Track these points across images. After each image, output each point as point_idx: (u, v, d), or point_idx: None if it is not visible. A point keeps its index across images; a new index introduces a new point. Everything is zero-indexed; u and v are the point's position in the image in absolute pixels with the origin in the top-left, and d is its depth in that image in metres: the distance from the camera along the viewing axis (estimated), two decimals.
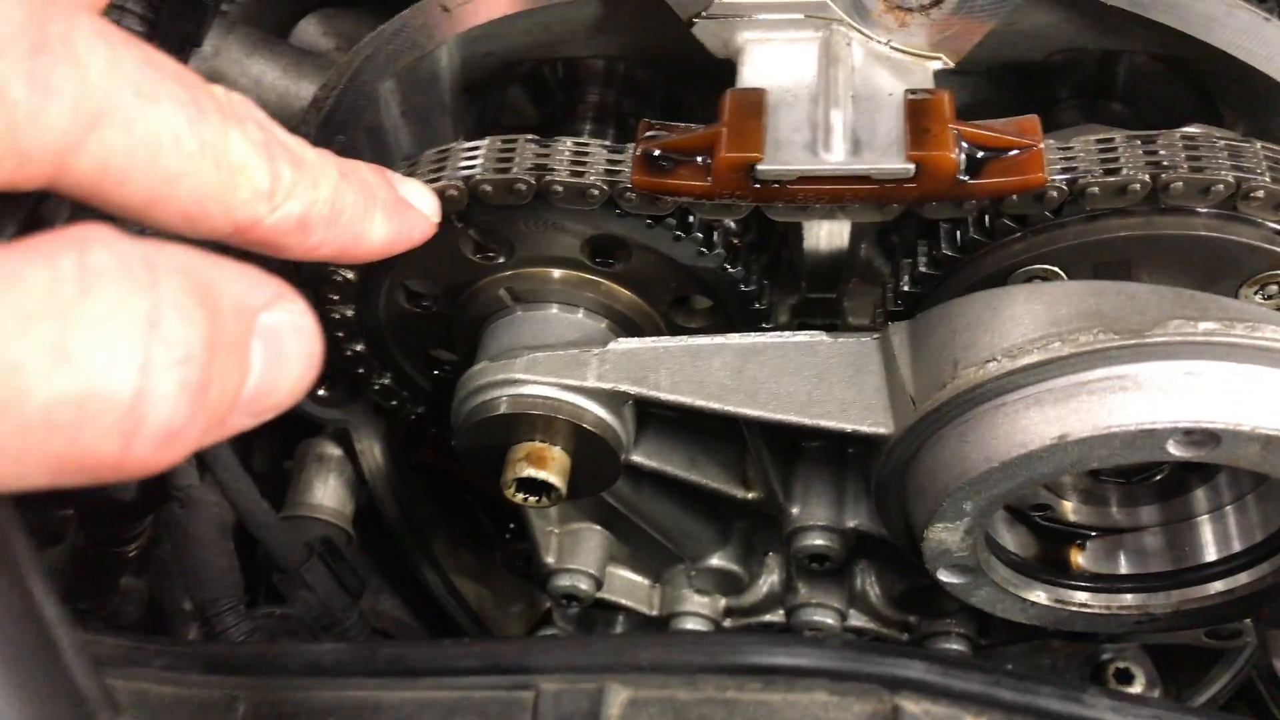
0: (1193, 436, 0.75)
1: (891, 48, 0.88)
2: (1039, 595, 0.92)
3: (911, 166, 0.80)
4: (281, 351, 0.48)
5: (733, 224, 0.97)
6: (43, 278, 0.41)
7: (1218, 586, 0.89)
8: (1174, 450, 0.75)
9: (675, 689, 0.65)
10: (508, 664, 0.67)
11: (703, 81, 0.96)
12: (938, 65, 0.89)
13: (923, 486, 0.86)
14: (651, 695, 0.65)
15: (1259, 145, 0.82)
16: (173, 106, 0.49)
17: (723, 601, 1.20)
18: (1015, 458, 0.78)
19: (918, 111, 0.82)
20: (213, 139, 0.51)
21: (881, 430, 0.86)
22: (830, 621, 1.15)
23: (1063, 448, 0.76)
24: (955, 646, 1.16)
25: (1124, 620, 0.94)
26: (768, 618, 1.20)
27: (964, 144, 0.81)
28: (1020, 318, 0.79)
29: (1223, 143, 0.81)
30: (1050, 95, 1.10)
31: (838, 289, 1.09)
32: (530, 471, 0.91)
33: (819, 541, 1.03)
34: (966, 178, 0.81)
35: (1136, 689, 1.28)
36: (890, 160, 0.80)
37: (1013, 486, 0.80)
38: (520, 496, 0.94)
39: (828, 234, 1.00)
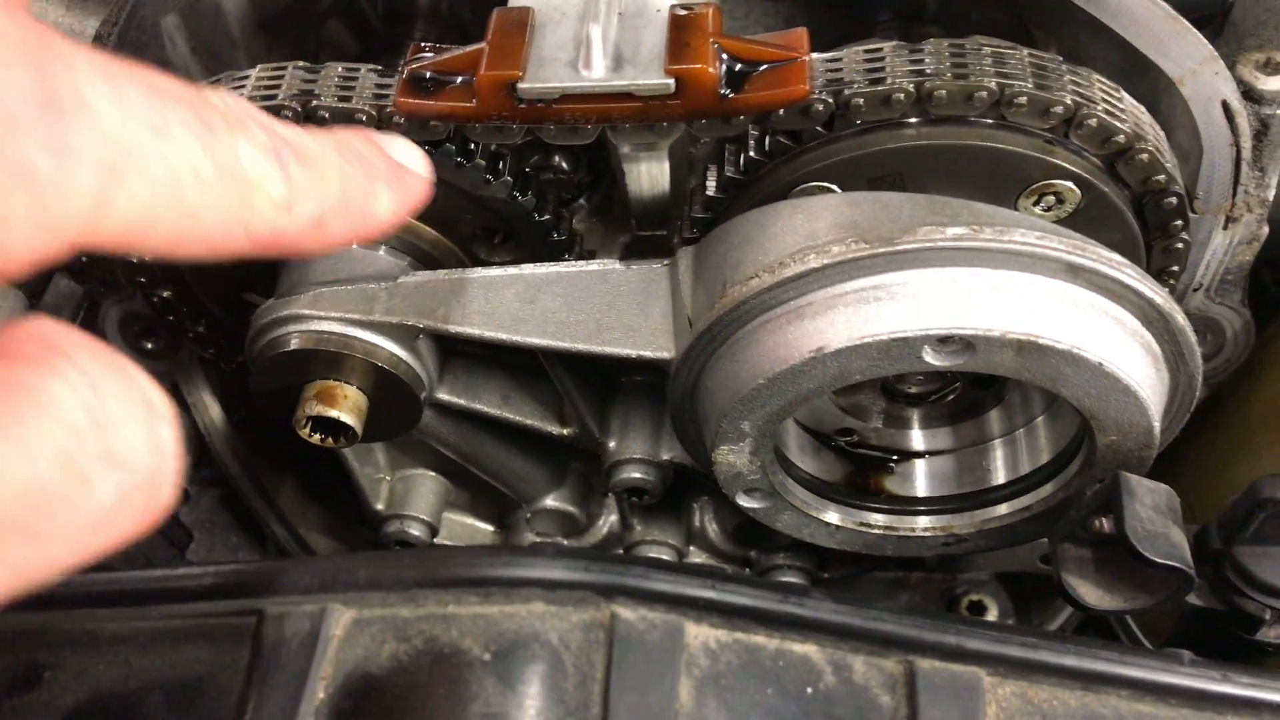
0: (948, 344, 0.74)
1: None
2: (836, 517, 0.91)
3: (671, 81, 0.78)
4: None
5: (563, 163, 0.95)
6: (69, 398, 0.42)
7: (1005, 508, 0.89)
8: (930, 359, 0.75)
9: (396, 607, 0.64)
10: (233, 588, 0.66)
11: None
12: None
13: (706, 410, 0.85)
14: (374, 614, 0.64)
15: (1025, 52, 0.81)
16: (186, 136, 0.46)
17: (564, 544, 1.19)
18: (779, 373, 0.77)
19: (680, 26, 0.80)
20: (226, 159, 0.48)
21: (664, 355, 0.85)
22: (666, 558, 1.14)
23: (821, 360, 0.75)
24: (793, 580, 1.16)
25: (932, 542, 0.94)
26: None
27: (725, 57, 0.79)
28: (782, 233, 0.78)
29: (988, 50, 0.80)
30: (870, 18, 1.09)
31: (668, 226, 1.08)
32: (320, 409, 0.90)
33: (635, 475, 1.02)
34: (729, 92, 0.79)
35: (989, 620, 1.28)
36: (650, 75, 0.79)
37: (784, 403, 0.80)
38: (316, 437, 0.92)
39: (647, 171, 0.98)
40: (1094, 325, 0.73)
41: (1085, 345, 0.72)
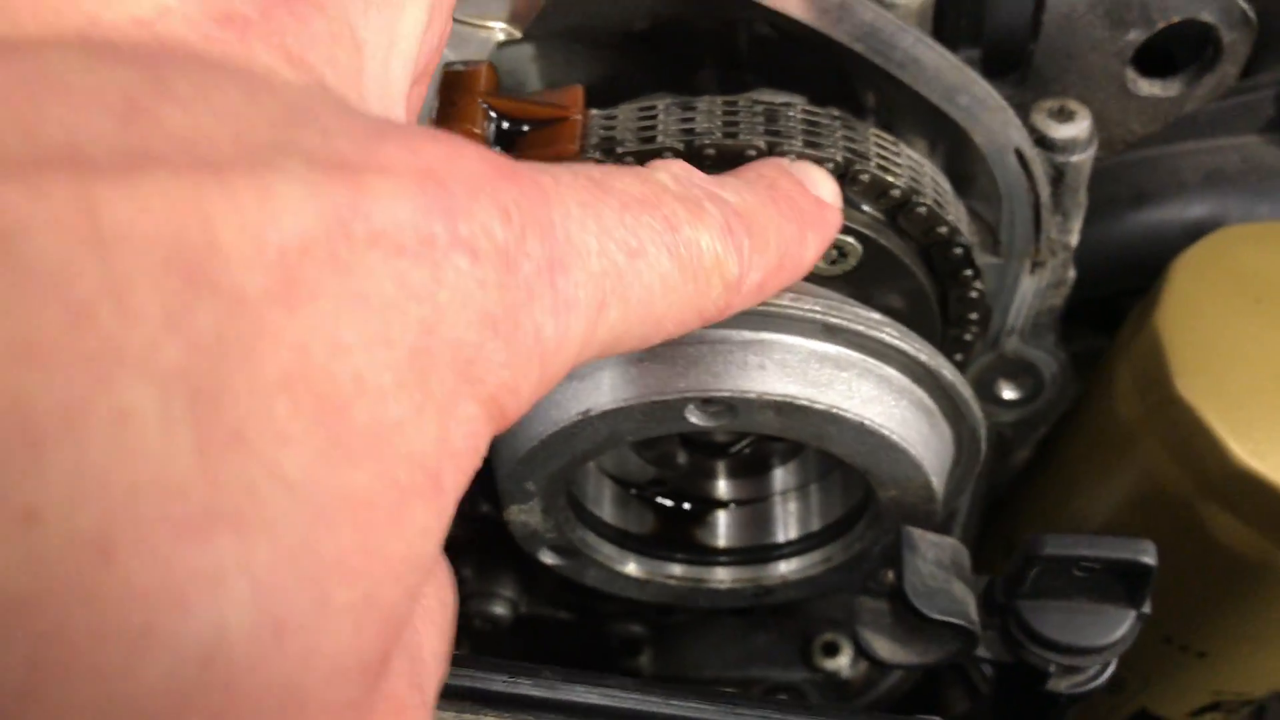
0: (710, 406, 0.73)
1: (453, 18, 0.86)
2: (637, 570, 0.90)
3: None
4: None
5: None
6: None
7: (802, 561, 0.88)
8: (696, 420, 0.74)
9: None
10: None
11: None
12: (500, 36, 0.86)
13: (495, 468, 0.84)
14: None
15: (799, 108, 0.81)
16: (657, 247, 0.44)
17: None
18: (552, 434, 0.76)
19: (450, 85, 0.79)
20: (690, 256, 0.46)
21: None
22: (501, 611, 1.13)
23: (590, 422, 0.74)
24: (634, 628, 1.15)
25: (741, 594, 0.93)
26: None
27: (494, 116, 0.78)
28: None
29: (761, 107, 0.80)
30: (692, 65, 1.08)
31: None
32: None
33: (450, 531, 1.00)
34: (500, 150, 0.79)
35: (843, 660, 1.28)
36: None
37: (564, 463, 0.79)
38: None
39: None
40: (855, 384, 0.73)
41: (845, 405, 0.72)
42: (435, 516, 0.35)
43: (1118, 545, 0.73)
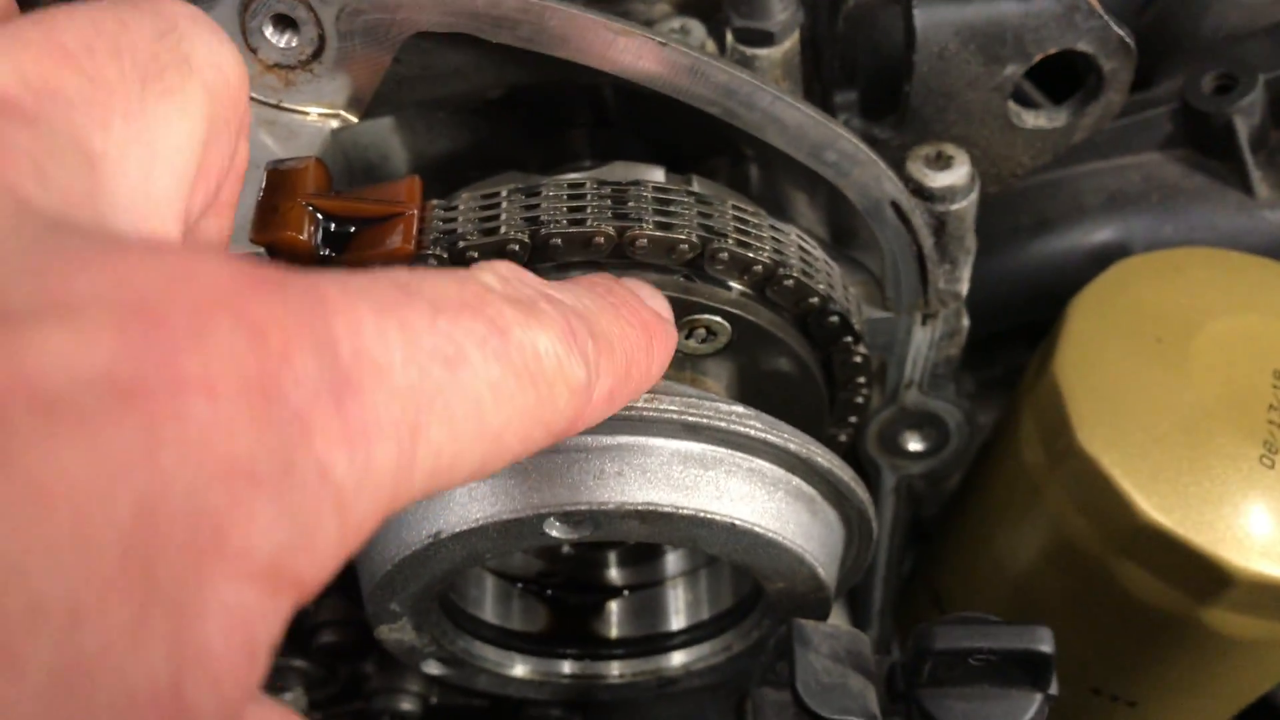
0: (570, 519, 0.69)
1: (282, 109, 0.80)
2: (526, 672, 0.85)
3: (261, 250, 0.72)
4: None
5: None
6: None
7: (694, 652, 0.84)
8: (556, 534, 0.69)
9: None
10: None
11: None
12: (334, 124, 0.81)
13: (362, 589, 0.78)
14: None
15: (650, 187, 0.76)
16: (480, 353, 0.38)
17: (305, 696, 1.12)
18: (405, 558, 0.71)
19: (274, 187, 0.74)
20: (525, 362, 0.41)
21: None
22: (409, 707, 1.07)
23: (443, 544, 0.69)
24: (553, 711, 1.10)
25: (644, 686, 0.88)
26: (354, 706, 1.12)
27: (321, 218, 0.73)
28: None
29: (608, 190, 0.75)
30: (568, 123, 1.03)
31: None
32: None
33: (331, 638, 0.95)
34: (331, 252, 0.73)
35: None
36: (240, 245, 0.72)
37: (425, 584, 0.74)
38: None
39: None
40: (724, 483, 0.68)
41: (713, 507, 0.67)
42: None
43: (1012, 635, 0.69)
